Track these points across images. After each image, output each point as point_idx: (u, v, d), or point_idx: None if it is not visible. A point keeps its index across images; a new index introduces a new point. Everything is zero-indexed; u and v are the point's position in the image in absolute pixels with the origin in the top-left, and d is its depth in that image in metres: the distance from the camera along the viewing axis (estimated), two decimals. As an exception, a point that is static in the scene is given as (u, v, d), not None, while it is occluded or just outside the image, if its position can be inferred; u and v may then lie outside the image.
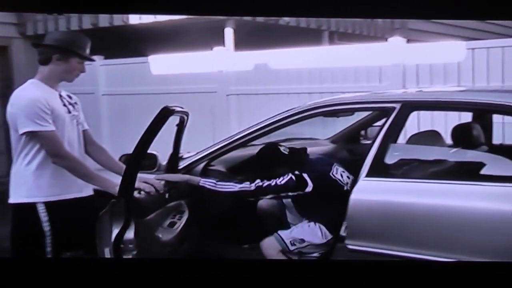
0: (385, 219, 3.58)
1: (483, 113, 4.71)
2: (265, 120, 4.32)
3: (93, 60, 3.61)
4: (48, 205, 3.37)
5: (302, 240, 3.97)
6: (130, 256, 3.41)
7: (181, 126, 4.33)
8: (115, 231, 3.37)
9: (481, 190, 3.39)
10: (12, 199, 3.44)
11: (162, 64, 8.66)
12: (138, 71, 8.85)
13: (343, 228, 3.67)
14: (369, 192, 3.65)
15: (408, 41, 7.39)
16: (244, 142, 4.35)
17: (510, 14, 2.66)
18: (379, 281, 2.91)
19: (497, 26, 14.15)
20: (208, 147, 4.44)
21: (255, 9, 2.98)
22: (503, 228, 3.23)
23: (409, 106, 3.86)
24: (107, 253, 3.44)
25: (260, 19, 9.12)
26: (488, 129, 4.84)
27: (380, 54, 7.12)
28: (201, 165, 4.37)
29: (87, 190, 3.58)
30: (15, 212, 3.43)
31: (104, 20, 8.96)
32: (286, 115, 4.21)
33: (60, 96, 3.53)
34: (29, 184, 3.39)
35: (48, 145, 3.37)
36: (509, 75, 6.18)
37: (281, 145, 4.35)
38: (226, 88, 8.22)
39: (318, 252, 4.00)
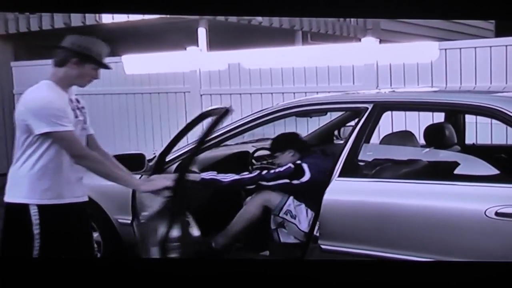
0: (357, 220, 3.59)
1: (455, 113, 4.75)
2: (239, 120, 4.30)
3: (109, 68, 3.56)
4: (41, 208, 3.32)
5: (294, 217, 4.01)
6: (176, 255, 3.43)
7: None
8: (163, 230, 3.36)
9: (454, 190, 3.42)
10: (7, 198, 3.39)
11: (135, 64, 8.60)
12: (111, 71, 8.73)
13: (316, 228, 3.68)
14: (341, 192, 3.66)
15: (381, 41, 7.42)
16: (218, 142, 4.33)
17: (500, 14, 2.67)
18: (375, 281, 2.92)
19: (467, 27, 14.32)
20: (181, 148, 4.40)
21: (244, 9, 2.96)
22: (476, 228, 3.25)
23: (382, 107, 3.88)
24: (155, 253, 3.46)
25: (232, 19, 9.11)
26: (460, 129, 4.88)
27: (353, 54, 7.14)
28: (174, 166, 4.32)
29: (83, 196, 3.54)
30: (7, 212, 3.38)
31: (76, 19, 8.87)
32: (260, 115, 4.21)
33: (70, 99, 3.48)
34: (27, 185, 3.33)
35: (70, 146, 3.33)
36: (482, 75, 6.24)
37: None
38: (200, 88, 8.19)
39: (294, 237, 4.08)
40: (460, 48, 6.45)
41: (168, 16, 8.16)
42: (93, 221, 4.66)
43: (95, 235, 4.68)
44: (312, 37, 11.28)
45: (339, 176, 3.68)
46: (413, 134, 4.17)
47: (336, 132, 5.60)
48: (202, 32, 8.72)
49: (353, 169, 3.73)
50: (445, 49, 6.55)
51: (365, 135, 3.79)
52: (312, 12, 3.30)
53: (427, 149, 4.11)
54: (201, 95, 8.20)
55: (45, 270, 3.03)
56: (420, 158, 3.87)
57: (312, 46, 8.78)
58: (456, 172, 3.52)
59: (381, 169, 3.79)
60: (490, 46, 6.28)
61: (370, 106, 3.80)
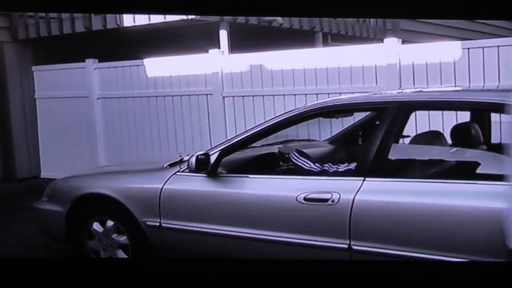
0: (389, 220, 3.61)
1: (481, 112, 4.74)
2: (266, 122, 4.35)
3: None
4: None
5: None
6: None
7: None
8: None
9: (488, 189, 3.42)
10: None
11: (157, 66, 8.64)
12: (133, 74, 8.83)
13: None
14: (372, 192, 3.69)
15: (402, 42, 7.39)
16: (246, 143, 4.40)
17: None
18: (376, 280, 2.92)
19: (487, 26, 14.26)
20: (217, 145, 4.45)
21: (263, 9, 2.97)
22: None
23: (409, 106, 3.91)
24: None
25: (253, 21, 9.12)
26: (486, 128, 4.86)
27: (376, 54, 7.12)
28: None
29: None
30: None
31: (97, 23, 8.92)
32: (290, 115, 4.25)
33: None
34: None
35: None
36: (505, 74, 6.20)
37: None
38: (222, 90, 8.21)
39: None
40: (483, 47, 6.40)
41: (189, 18, 8.19)
42: (120, 224, 4.73)
43: (123, 238, 4.73)
44: (332, 38, 11.25)
45: (369, 176, 3.72)
46: (442, 134, 4.17)
47: (360, 133, 5.61)
48: (223, 34, 8.73)
49: (382, 170, 3.76)
50: (468, 48, 6.50)
51: (393, 135, 3.82)
52: (331, 12, 3.30)
53: (456, 149, 4.12)
54: (223, 97, 8.22)
55: (45, 270, 3.05)
56: (450, 158, 3.88)
57: (334, 47, 8.74)
58: (488, 171, 3.53)
59: (412, 169, 3.81)
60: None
61: (398, 106, 3.83)
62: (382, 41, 7.60)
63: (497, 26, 14.90)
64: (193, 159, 4.26)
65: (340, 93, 7.25)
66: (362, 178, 3.75)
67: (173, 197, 4.44)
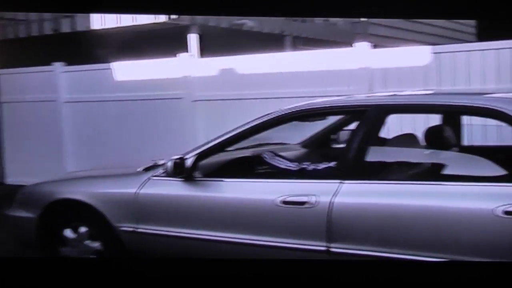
0: (366, 222, 3.63)
1: (456, 115, 4.79)
2: (243, 125, 4.33)
3: None
4: None
5: None
6: None
7: None
8: None
9: (461, 190, 3.46)
10: None
11: (127, 70, 8.54)
12: (102, 78, 8.72)
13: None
14: (350, 195, 3.70)
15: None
16: (223, 146, 4.39)
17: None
18: (374, 281, 2.93)
19: (451, 31, 14.50)
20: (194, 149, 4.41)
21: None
22: (485, 226, 3.29)
23: (387, 109, 3.93)
24: None
25: (224, 24, 9.12)
26: (457, 131, 4.92)
27: (347, 58, 7.16)
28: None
29: None
30: None
31: (66, 25, 8.81)
32: (267, 119, 4.25)
33: None
34: None
35: None
36: (476, 79, 6.29)
37: None
38: (192, 94, 8.16)
39: None
40: (453, 52, 6.50)
41: (159, 21, 8.15)
42: (94, 230, 4.65)
43: (96, 244, 4.66)
44: (301, 42, 11.32)
45: (347, 179, 3.73)
46: (416, 136, 4.21)
47: (333, 136, 5.63)
48: (193, 38, 8.70)
49: (360, 172, 3.78)
50: (438, 53, 6.59)
51: (371, 137, 3.84)
52: (314, 13, 3.31)
53: (432, 151, 4.16)
54: (193, 101, 8.17)
55: (45, 270, 3.01)
56: (426, 159, 3.92)
57: (306, 51, 8.76)
58: (462, 172, 3.57)
59: (390, 171, 3.83)
60: (483, 50, 6.33)
61: (374, 109, 3.86)
62: (350, 45, 7.65)
63: (463, 31, 15.17)
64: (171, 163, 4.21)
65: (312, 97, 7.26)
66: (340, 181, 3.75)
67: (149, 202, 4.38)
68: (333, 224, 3.68)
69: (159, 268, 3.05)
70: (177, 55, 8.20)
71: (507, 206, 3.20)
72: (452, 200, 3.40)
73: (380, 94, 5.42)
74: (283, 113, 4.27)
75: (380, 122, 3.89)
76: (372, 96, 5.15)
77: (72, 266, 3.07)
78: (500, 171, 3.45)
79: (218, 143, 4.37)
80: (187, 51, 8.50)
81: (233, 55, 8.03)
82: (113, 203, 4.52)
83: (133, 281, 2.95)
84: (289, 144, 5.84)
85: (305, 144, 5.61)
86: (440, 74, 6.52)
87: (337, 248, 3.69)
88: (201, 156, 4.31)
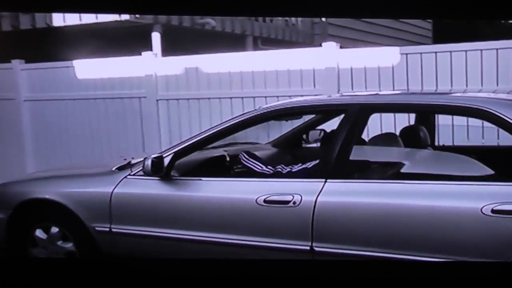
0: (352, 221, 3.62)
1: (434, 114, 4.84)
2: (223, 123, 4.29)
3: None
4: None
5: None
6: None
7: None
8: None
9: (446, 189, 3.48)
10: None
11: (89, 68, 8.37)
12: (63, 76, 8.53)
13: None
14: (333, 194, 3.68)
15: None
16: (201, 145, 4.32)
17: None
18: (372, 281, 2.92)
19: (411, 35, 14.74)
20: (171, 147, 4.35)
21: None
22: (471, 224, 3.32)
23: (370, 108, 3.94)
24: None
25: (186, 23, 9.03)
26: (432, 131, 4.97)
27: (314, 58, 7.16)
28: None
29: None
30: None
31: (25, 22, 8.60)
32: (247, 117, 4.21)
33: None
34: None
35: None
36: (443, 79, 6.37)
37: None
38: (156, 93, 8.06)
39: None
40: (421, 53, 6.56)
41: (122, 19, 8.02)
42: (66, 231, 4.54)
43: (69, 245, 4.54)
44: (262, 42, 11.30)
45: (331, 178, 3.72)
46: (397, 136, 4.22)
47: (303, 136, 5.63)
48: (156, 36, 8.59)
49: (344, 171, 3.77)
50: (406, 54, 6.64)
51: (354, 136, 3.83)
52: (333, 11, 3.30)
53: (420, 150, 4.19)
54: (157, 100, 8.07)
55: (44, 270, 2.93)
56: (411, 158, 3.94)
57: (273, 51, 8.69)
58: (449, 171, 3.59)
59: (373, 170, 3.84)
60: (450, 51, 6.41)
61: (358, 108, 3.85)
62: (311, 45, 7.68)
63: (422, 35, 15.45)
64: (149, 162, 4.13)
65: (278, 97, 7.25)
66: (324, 180, 3.74)
67: (125, 201, 4.30)
68: (317, 223, 3.66)
69: (151, 268, 2.99)
70: (141, 53, 8.08)
71: (495, 205, 3.22)
72: (440, 199, 3.41)
73: (363, 93, 5.45)
74: (262, 111, 4.24)
75: (364, 121, 3.89)
76: (355, 95, 5.15)
77: (72, 266, 2.99)
78: (487, 170, 3.48)
79: (195, 141, 4.31)
80: (151, 50, 8.37)
81: (195, 54, 7.94)
82: (87, 202, 4.42)
83: (133, 281, 2.89)
84: (259, 143, 5.83)
85: (275, 144, 5.59)
86: (407, 75, 6.57)
87: (321, 247, 3.68)
88: (178, 154, 4.24)
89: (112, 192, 4.31)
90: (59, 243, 4.56)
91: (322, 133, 5.45)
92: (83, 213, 4.41)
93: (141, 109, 8.20)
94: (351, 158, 3.80)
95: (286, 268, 3.19)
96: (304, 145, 5.66)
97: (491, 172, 3.45)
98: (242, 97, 7.58)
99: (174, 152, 4.23)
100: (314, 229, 3.67)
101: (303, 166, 4.15)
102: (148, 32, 8.58)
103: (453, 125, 5.51)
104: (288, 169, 4.20)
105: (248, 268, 3.11)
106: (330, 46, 7.14)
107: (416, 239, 3.47)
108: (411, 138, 4.44)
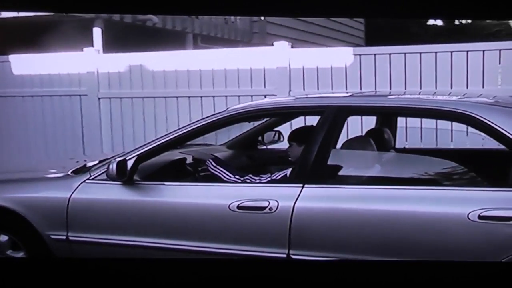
0: (330, 227, 3.50)
1: (396, 117, 4.80)
2: (189, 125, 4.11)
3: None
4: None
5: None
6: None
7: None
8: None
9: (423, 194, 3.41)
10: None
11: (25, 64, 7.97)
12: (-3, 71, 8.10)
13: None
14: (310, 199, 3.55)
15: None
16: (166, 147, 4.09)
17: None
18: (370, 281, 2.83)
19: (348, 36, 14.89)
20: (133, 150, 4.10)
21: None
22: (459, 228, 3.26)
23: (347, 111, 3.83)
24: None
25: (128, 19, 8.74)
26: (393, 133, 4.92)
27: (265, 58, 7.04)
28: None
29: None
30: None
31: (-43, 14, 8.12)
32: (215, 119, 4.01)
33: None
34: None
35: None
36: (396, 81, 6.38)
37: None
38: (98, 91, 7.74)
39: None
40: (375, 54, 6.54)
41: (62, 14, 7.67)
42: (17, 239, 4.24)
43: (19, 254, 4.23)
44: (202, 40, 11.10)
45: (308, 183, 3.58)
46: (371, 139, 4.13)
47: (259, 138, 5.49)
48: (97, 32, 8.25)
49: (322, 176, 3.64)
50: (360, 55, 6.62)
51: (332, 140, 3.71)
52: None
53: (403, 154, 4.12)
54: (99, 98, 7.75)
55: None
56: (388, 162, 3.87)
57: (222, 49, 8.46)
58: (434, 176, 3.53)
59: (351, 174, 3.73)
60: (405, 53, 6.42)
61: (335, 110, 3.73)
62: (249, 43, 7.55)
63: (355, 35, 15.62)
64: (114, 165, 3.87)
65: (226, 96, 7.10)
66: (301, 185, 3.59)
67: (85, 208, 4.03)
68: (295, 230, 3.52)
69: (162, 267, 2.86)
70: (83, 49, 7.74)
71: (481, 210, 3.16)
72: (425, 204, 3.33)
73: (338, 95, 5.34)
74: (232, 113, 4.05)
75: (341, 124, 3.76)
76: (329, 96, 5.03)
77: (71, 266, 2.82)
78: (474, 176, 3.43)
79: (160, 143, 4.08)
80: (92, 46, 8.04)
81: (135, 51, 7.69)
82: (41, 208, 4.13)
83: (133, 281, 2.73)
84: (212, 145, 5.65)
85: (229, 145, 5.42)
86: (361, 76, 6.54)
87: (298, 255, 3.54)
88: (142, 157, 4.01)
89: (69, 198, 4.03)
90: (9, 252, 4.25)
91: (277, 135, 5.34)
92: (36, 220, 4.11)
93: (81, 108, 7.87)
94: (329, 162, 3.67)
95: (265, 267, 3.08)
96: (259, 146, 5.53)
97: (476, 177, 3.41)
98: (189, 96, 7.39)
99: (137, 155, 3.99)
100: (292, 236, 3.53)
101: (270, 177, 3.99)
102: (89, 27, 8.23)
103: (421, 127, 5.52)
104: (257, 180, 4.03)
105: (235, 269, 2.98)
106: (281, 46, 7.03)
107: (398, 245, 3.39)
108: (377, 140, 4.36)
